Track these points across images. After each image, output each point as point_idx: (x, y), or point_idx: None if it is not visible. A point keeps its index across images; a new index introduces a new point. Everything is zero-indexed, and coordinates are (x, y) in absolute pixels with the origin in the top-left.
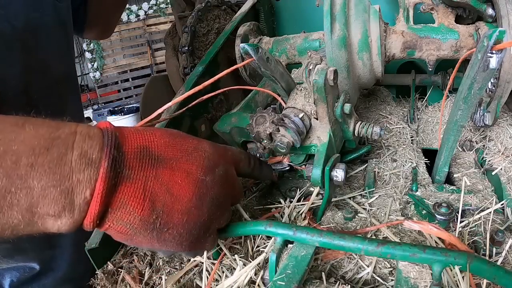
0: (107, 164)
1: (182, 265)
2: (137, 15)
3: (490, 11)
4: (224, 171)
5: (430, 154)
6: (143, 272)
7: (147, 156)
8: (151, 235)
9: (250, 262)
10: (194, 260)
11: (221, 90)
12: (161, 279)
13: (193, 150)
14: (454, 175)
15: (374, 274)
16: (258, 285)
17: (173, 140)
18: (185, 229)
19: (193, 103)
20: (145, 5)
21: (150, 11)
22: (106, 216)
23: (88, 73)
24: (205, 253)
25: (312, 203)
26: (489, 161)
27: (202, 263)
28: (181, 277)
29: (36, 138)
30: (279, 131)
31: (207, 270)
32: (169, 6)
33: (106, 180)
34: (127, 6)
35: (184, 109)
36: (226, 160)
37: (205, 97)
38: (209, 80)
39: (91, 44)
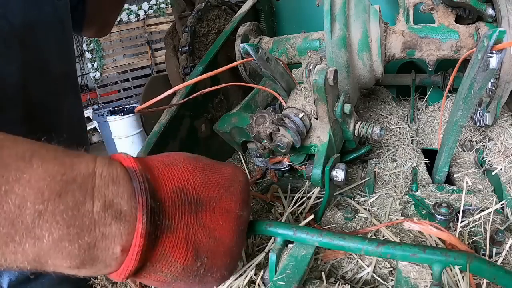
0: (145, 218)
1: None
2: (137, 15)
3: (490, 11)
4: (251, 200)
5: (430, 154)
6: None
7: (186, 201)
8: (193, 280)
9: (250, 262)
10: None
11: (223, 85)
12: None
13: (230, 185)
14: (454, 175)
15: (374, 274)
16: (258, 285)
17: (208, 175)
18: (228, 269)
19: (195, 94)
20: (145, 5)
21: (150, 11)
22: (142, 269)
23: (88, 73)
24: None
25: (312, 203)
26: (489, 161)
27: None
28: None
29: (44, 179)
30: (279, 131)
31: None
32: (169, 6)
33: (145, 236)
34: (127, 6)
35: (185, 100)
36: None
37: (206, 90)
38: (210, 73)
39: (91, 44)
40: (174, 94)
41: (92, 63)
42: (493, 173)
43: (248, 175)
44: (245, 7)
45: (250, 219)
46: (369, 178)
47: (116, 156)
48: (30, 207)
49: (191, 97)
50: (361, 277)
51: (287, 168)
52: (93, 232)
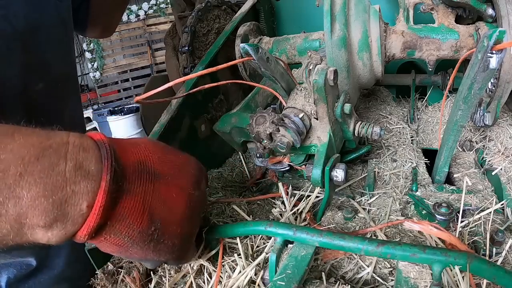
0: (109, 177)
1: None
2: (137, 15)
3: (490, 11)
4: (204, 186)
5: (430, 154)
6: (149, 272)
7: (145, 171)
8: (147, 246)
9: (250, 262)
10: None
11: (225, 81)
12: (161, 278)
13: (183, 167)
14: (454, 175)
15: (374, 274)
16: (258, 285)
17: (165, 156)
18: (179, 239)
19: (196, 89)
20: (145, 5)
21: (150, 11)
22: (103, 229)
23: (88, 73)
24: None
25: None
26: (489, 161)
27: (202, 265)
28: (181, 278)
29: (25, 147)
30: (279, 131)
31: (208, 274)
32: (169, 6)
33: (108, 193)
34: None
35: (185, 94)
36: (204, 175)
37: (207, 86)
38: (212, 68)
39: (91, 44)
40: (174, 93)
41: (92, 63)
42: (493, 173)
43: (249, 176)
44: (245, 7)
45: (250, 219)
46: (366, 174)
47: (88, 133)
48: (12, 170)
49: (191, 91)
50: (361, 277)
51: (287, 168)
52: (65, 189)
